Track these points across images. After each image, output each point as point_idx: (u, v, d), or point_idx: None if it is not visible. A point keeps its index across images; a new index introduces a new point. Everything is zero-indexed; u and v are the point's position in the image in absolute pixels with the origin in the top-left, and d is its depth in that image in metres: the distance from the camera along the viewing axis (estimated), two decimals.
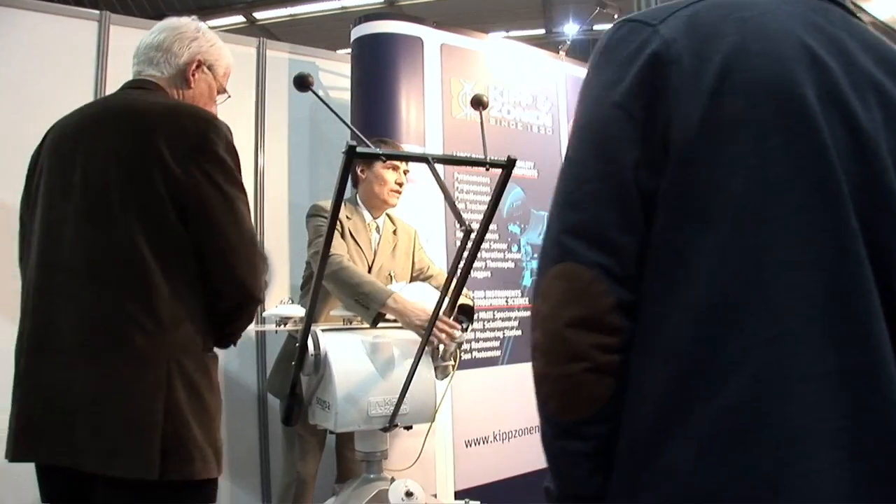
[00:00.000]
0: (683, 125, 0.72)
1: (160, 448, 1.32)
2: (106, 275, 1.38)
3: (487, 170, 1.82)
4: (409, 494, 1.94)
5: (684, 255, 0.71)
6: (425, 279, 2.68)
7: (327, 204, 2.63)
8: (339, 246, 2.44)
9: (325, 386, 1.99)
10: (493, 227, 3.15)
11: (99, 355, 1.35)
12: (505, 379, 3.14)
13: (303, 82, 1.70)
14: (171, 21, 1.68)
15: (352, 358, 2.01)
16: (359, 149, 1.61)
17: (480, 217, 3.09)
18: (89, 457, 1.31)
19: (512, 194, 3.26)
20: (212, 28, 1.75)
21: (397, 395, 1.97)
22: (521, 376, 3.18)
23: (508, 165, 1.80)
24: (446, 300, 1.89)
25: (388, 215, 2.70)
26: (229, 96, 1.75)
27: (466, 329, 2.18)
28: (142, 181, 1.39)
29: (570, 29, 11.40)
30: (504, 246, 3.21)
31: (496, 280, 3.16)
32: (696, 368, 0.69)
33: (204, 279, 1.43)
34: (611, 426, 0.75)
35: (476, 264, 3.07)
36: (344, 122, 1.79)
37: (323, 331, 2.05)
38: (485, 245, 3.13)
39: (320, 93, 3.56)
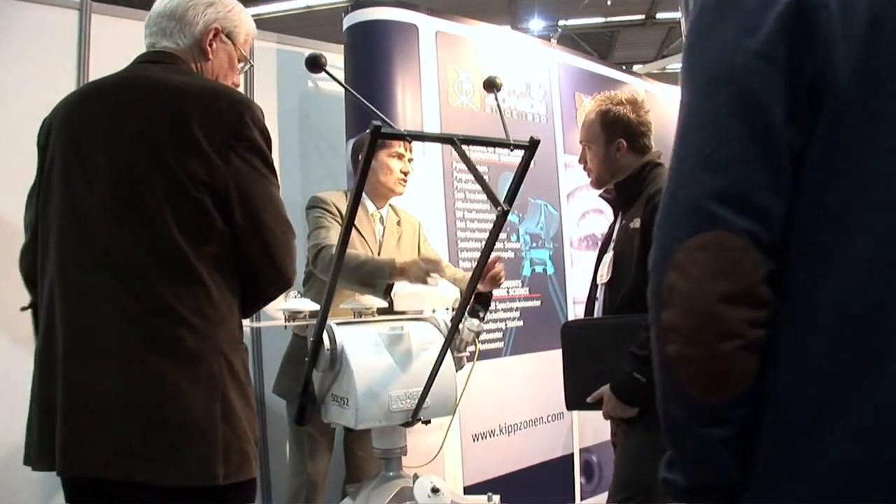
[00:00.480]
0: (836, 76, 0.66)
1: (221, 451, 1.24)
2: (142, 272, 1.28)
3: (511, 150, 1.78)
4: (435, 491, 1.87)
5: (840, 215, 0.65)
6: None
7: (327, 195, 2.56)
8: (336, 236, 2.37)
9: (343, 382, 1.91)
10: (490, 216, 3.10)
11: (146, 358, 1.26)
12: (508, 371, 3.08)
13: (315, 62, 1.63)
14: None
15: (370, 351, 1.93)
16: (384, 129, 1.55)
17: (478, 206, 3.07)
18: (143, 466, 1.22)
19: (509, 183, 3.20)
20: None
21: (418, 389, 1.90)
22: (525, 367, 3.14)
23: (532, 146, 1.77)
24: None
25: (391, 206, 2.63)
26: (251, 65, 1.64)
27: (483, 318, 2.11)
28: (176, 169, 1.29)
29: (536, 25, 11.46)
30: (504, 236, 3.15)
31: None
32: (864, 334, 0.63)
33: (242, 268, 1.35)
34: (752, 408, 0.69)
35: (475, 255, 3.03)
36: (363, 102, 1.70)
37: (337, 324, 1.97)
38: (483, 236, 3.06)
39: (309, 84, 3.50)
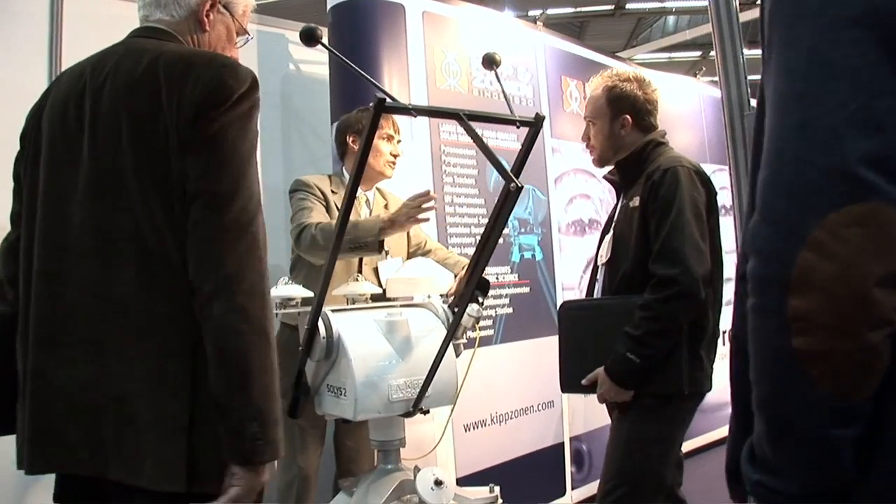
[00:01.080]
0: None
1: (188, 456, 1.13)
2: (120, 258, 1.19)
3: (518, 127, 1.73)
4: (438, 483, 1.80)
5: None
6: (423, 254, 2.55)
7: (310, 178, 2.48)
8: (319, 216, 2.31)
9: (340, 371, 1.83)
10: (480, 201, 3.04)
11: (118, 349, 1.17)
12: (499, 359, 3.02)
13: (311, 35, 1.55)
14: None
15: (368, 340, 1.85)
16: (388, 102, 1.47)
17: (467, 191, 3.00)
18: (115, 464, 1.15)
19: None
20: None
21: (418, 378, 1.82)
22: (515, 355, 3.08)
23: (536, 123, 1.73)
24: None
25: (378, 189, 2.56)
26: (250, 37, 1.54)
27: (482, 304, 2.04)
28: (155, 148, 1.19)
29: (506, 15, 11.45)
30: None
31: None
32: None
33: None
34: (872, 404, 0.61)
35: (465, 240, 2.97)
36: (361, 73, 1.62)
37: (332, 311, 1.88)
38: (473, 220, 3.02)
39: (291, 67, 3.39)
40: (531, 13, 12.15)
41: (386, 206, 2.53)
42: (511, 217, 3.14)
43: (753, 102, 1.98)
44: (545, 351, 3.24)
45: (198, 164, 1.17)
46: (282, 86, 3.29)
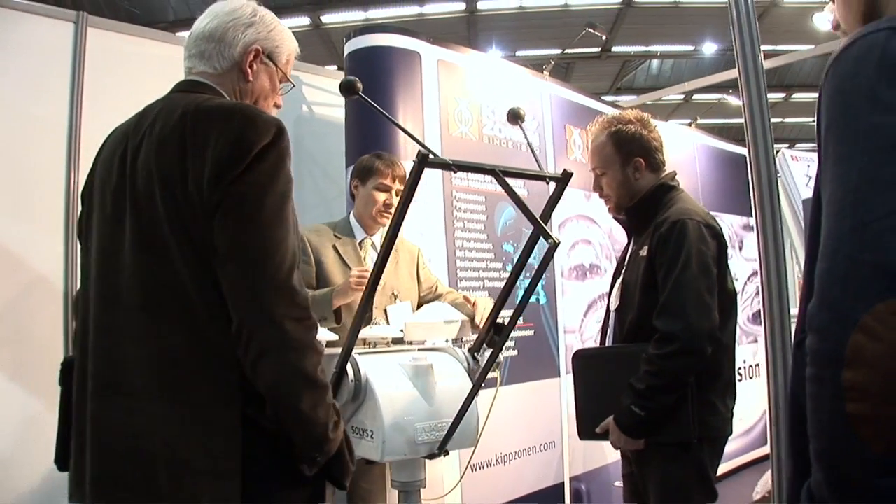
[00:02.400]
0: None
1: (241, 494, 1.20)
2: (165, 311, 1.24)
3: (547, 183, 1.81)
4: None
5: None
6: (435, 298, 2.61)
7: (306, 231, 2.50)
8: (306, 274, 2.37)
9: (367, 414, 1.87)
10: (488, 245, 3.11)
11: (170, 398, 1.22)
12: (504, 400, 3.05)
13: (351, 87, 1.62)
14: (224, 4, 1.45)
15: (394, 382, 1.90)
16: (431, 158, 1.55)
17: (476, 236, 3.08)
18: None
19: (504, 213, 3.22)
20: None
21: (442, 420, 1.88)
22: (519, 397, 3.14)
23: (564, 179, 1.80)
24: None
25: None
26: (293, 86, 1.57)
27: (501, 348, 2.10)
28: (184, 207, 1.22)
29: (494, 55, 11.66)
30: (500, 265, 3.16)
31: (493, 299, 3.09)
32: None
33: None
34: None
35: (474, 284, 3.03)
36: (402, 128, 1.71)
37: (359, 354, 1.94)
38: (481, 265, 3.09)
39: (304, 108, 3.47)
40: (518, 53, 12.45)
41: (395, 250, 2.56)
42: (517, 262, 3.23)
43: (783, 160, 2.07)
44: (547, 393, 3.32)
45: (224, 227, 1.20)
46: (295, 127, 3.36)
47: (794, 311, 2.65)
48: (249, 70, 1.43)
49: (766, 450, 5.15)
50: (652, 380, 1.93)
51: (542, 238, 1.63)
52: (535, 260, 3.35)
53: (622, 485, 2.33)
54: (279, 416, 1.24)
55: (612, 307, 2.22)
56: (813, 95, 14.25)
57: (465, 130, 3.13)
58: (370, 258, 2.52)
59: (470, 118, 3.16)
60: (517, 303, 3.18)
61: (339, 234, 2.52)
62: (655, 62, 14.44)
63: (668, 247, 1.98)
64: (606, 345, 2.26)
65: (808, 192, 2.08)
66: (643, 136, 2.15)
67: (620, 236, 3.96)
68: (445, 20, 11.36)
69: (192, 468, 1.19)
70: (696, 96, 14.05)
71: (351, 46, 2.99)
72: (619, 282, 2.21)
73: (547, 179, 1.79)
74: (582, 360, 2.25)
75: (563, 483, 3.32)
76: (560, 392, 3.37)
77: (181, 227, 1.23)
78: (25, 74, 2.66)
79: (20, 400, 2.48)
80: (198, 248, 1.22)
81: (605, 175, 2.20)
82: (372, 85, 2.93)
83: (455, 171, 1.64)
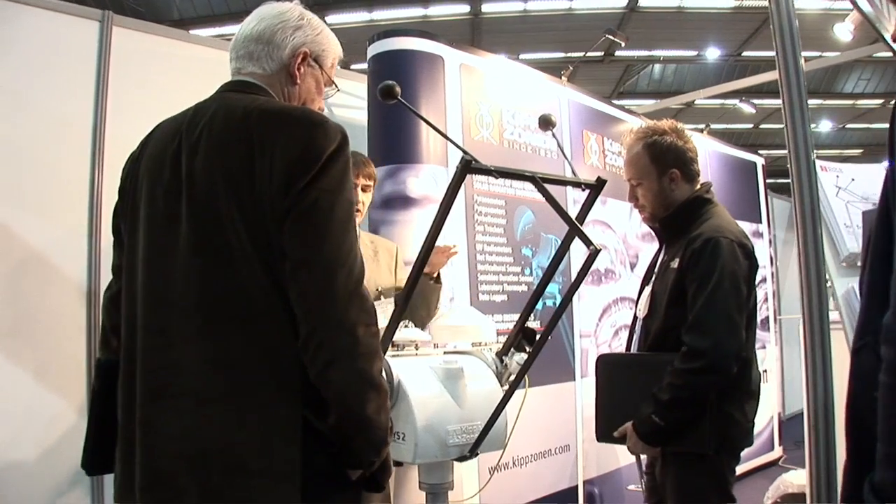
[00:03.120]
0: None
1: (301, 497, 1.20)
2: (224, 315, 1.23)
3: (583, 189, 1.82)
4: None
5: None
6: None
7: None
8: None
9: (399, 416, 1.88)
10: (507, 249, 3.12)
11: (224, 400, 1.22)
12: (520, 403, 3.08)
13: (390, 92, 1.63)
14: (271, 7, 1.45)
15: (426, 385, 1.92)
16: (473, 164, 1.57)
17: (496, 240, 3.09)
18: None
19: (524, 217, 3.24)
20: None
21: (473, 423, 1.90)
22: (536, 400, 3.14)
23: (598, 186, 1.82)
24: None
25: (361, 232, 2.63)
26: (338, 89, 1.57)
27: (529, 352, 2.12)
28: (251, 210, 1.22)
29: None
30: (518, 269, 3.18)
31: (512, 303, 3.12)
32: None
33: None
34: None
35: (494, 287, 3.05)
36: (444, 135, 1.73)
37: (391, 357, 1.95)
38: (500, 268, 3.10)
39: (324, 110, 3.48)
40: (522, 56, 12.47)
41: (375, 253, 2.57)
42: (535, 266, 3.25)
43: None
44: (563, 396, 3.33)
45: (296, 234, 1.20)
46: None
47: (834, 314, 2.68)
48: (297, 73, 1.44)
49: (773, 455, 5.18)
50: (675, 392, 1.95)
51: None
52: (535, 262, 3.37)
53: (641, 479, 2.34)
54: (343, 422, 1.24)
55: (641, 315, 2.23)
56: (815, 102, 14.33)
57: (487, 135, 3.14)
58: None
59: (491, 122, 3.18)
60: (537, 309, 3.22)
61: None
62: (658, 67, 14.45)
63: (700, 263, 1.99)
64: (632, 351, 2.29)
65: (837, 203, 2.10)
66: (678, 147, 2.16)
67: (634, 242, 3.99)
68: (449, 22, 11.35)
69: (248, 469, 1.19)
70: (698, 102, 14.09)
71: (374, 49, 3.01)
72: (647, 290, 2.22)
73: (583, 186, 1.81)
74: (606, 364, 2.27)
75: (576, 486, 3.34)
76: (575, 396, 3.39)
77: (246, 229, 1.22)
78: (51, 73, 2.66)
79: (42, 401, 2.48)
80: (262, 252, 1.22)
81: (640, 186, 2.21)
82: None
83: (497, 178, 1.65)
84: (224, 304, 1.24)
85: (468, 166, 1.56)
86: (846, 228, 2.12)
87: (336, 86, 1.57)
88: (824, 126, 15.71)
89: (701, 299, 1.96)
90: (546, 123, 1.95)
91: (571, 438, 3.34)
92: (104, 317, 1.49)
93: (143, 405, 1.27)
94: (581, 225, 1.95)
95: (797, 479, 3.32)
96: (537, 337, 2.15)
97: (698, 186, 2.19)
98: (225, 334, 1.23)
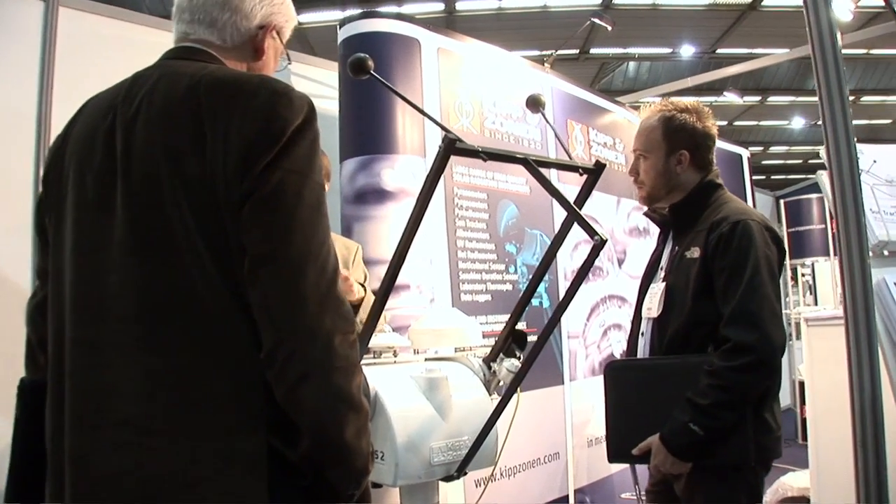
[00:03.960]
0: None
1: None
2: (170, 323, 1.02)
3: (581, 174, 1.64)
4: None
5: None
6: None
7: None
8: None
9: (377, 433, 1.68)
10: (491, 246, 2.94)
11: (170, 428, 1.00)
12: (506, 410, 2.89)
13: (361, 66, 1.45)
14: None
15: (407, 397, 1.72)
16: (458, 144, 1.38)
17: (478, 236, 2.90)
18: None
19: (507, 211, 3.05)
20: None
21: (460, 439, 1.70)
22: (522, 407, 2.95)
23: (597, 171, 1.64)
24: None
25: None
26: (290, 62, 1.40)
27: (520, 358, 1.93)
28: (201, 194, 1.01)
29: None
30: (502, 267, 2.98)
31: (496, 303, 2.92)
32: None
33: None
34: None
35: (476, 287, 2.85)
36: (426, 114, 1.54)
37: (366, 365, 1.75)
38: (483, 266, 2.91)
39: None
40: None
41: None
42: (520, 263, 3.06)
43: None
44: (551, 401, 3.15)
45: (257, 224, 1.00)
46: None
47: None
48: (264, 47, 1.26)
49: None
50: (719, 395, 1.72)
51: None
52: (537, 261, 3.19)
53: (635, 485, 2.13)
54: (317, 449, 1.04)
55: (651, 314, 1.99)
56: (785, 99, 14.38)
57: (467, 124, 2.95)
58: None
59: (471, 111, 2.98)
60: (534, 309, 3.03)
61: None
62: (633, 65, 14.42)
63: (730, 249, 1.79)
64: (640, 356, 2.04)
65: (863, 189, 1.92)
66: (696, 129, 1.97)
67: (621, 237, 3.82)
68: (424, 20, 11.19)
69: None
70: (673, 99, 14.08)
71: (346, 32, 2.80)
72: (659, 287, 1.98)
73: (580, 171, 1.62)
74: (617, 372, 2.01)
75: (567, 496, 3.15)
76: (564, 400, 3.20)
77: (194, 220, 1.01)
78: None
79: None
80: (215, 246, 1.01)
81: (645, 159, 2.01)
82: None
83: (485, 160, 1.45)
84: (169, 310, 1.03)
85: (452, 146, 1.37)
86: (873, 214, 1.93)
87: (289, 58, 1.40)
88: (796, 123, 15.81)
89: (739, 288, 1.75)
90: (535, 104, 1.76)
91: (561, 446, 3.16)
92: (29, 329, 1.26)
93: (72, 436, 1.04)
94: (580, 211, 1.77)
95: (797, 481, 3.17)
96: (529, 340, 1.96)
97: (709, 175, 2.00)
98: (171, 348, 1.02)
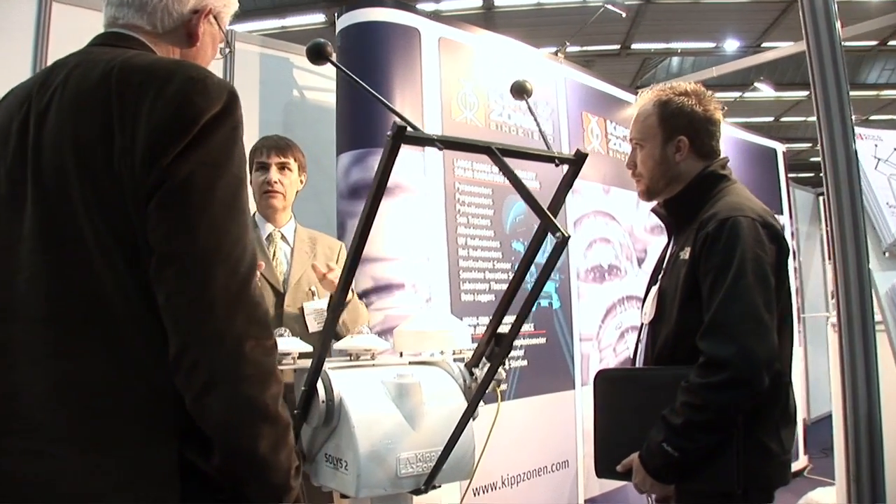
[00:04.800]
0: None
1: None
2: (80, 325, 0.97)
3: (557, 165, 1.50)
4: None
5: None
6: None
7: None
8: None
9: (341, 441, 1.58)
10: (495, 244, 2.81)
11: (78, 439, 0.95)
12: (512, 416, 2.77)
13: (320, 52, 1.32)
14: None
15: (374, 404, 1.61)
16: (409, 132, 1.25)
17: (482, 233, 2.78)
18: None
19: (514, 208, 2.92)
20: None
21: (430, 450, 1.58)
22: (529, 412, 2.83)
23: (577, 161, 1.49)
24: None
25: (300, 227, 2.36)
26: (229, 49, 1.32)
27: (504, 363, 1.80)
28: (107, 188, 0.96)
29: None
30: (508, 266, 2.86)
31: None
32: None
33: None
34: None
35: (479, 286, 2.73)
36: (378, 97, 1.39)
37: (332, 369, 1.64)
38: (487, 265, 2.79)
39: (294, 93, 3.19)
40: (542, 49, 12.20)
41: (313, 250, 2.30)
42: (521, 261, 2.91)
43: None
44: (561, 406, 3.01)
45: (164, 220, 0.94)
46: (284, 115, 3.09)
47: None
48: (198, 33, 1.19)
49: (798, 464, 4.80)
50: (692, 414, 1.55)
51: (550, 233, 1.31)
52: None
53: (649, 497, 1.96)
54: (229, 462, 0.97)
55: (646, 320, 1.85)
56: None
57: (470, 116, 2.83)
58: (282, 251, 2.28)
59: (475, 103, 2.86)
60: (543, 310, 2.90)
61: None
62: (676, 59, 14.11)
63: (715, 250, 1.61)
64: (638, 364, 1.89)
65: (878, 178, 1.69)
66: (696, 112, 1.79)
67: (641, 235, 3.65)
68: (462, 16, 11.12)
69: None
70: (717, 94, 13.75)
71: (343, 23, 2.71)
72: (654, 290, 1.84)
73: (556, 161, 1.48)
74: (605, 382, 1.86)
75: None
76: (575, 406, 3.06)
77: (103, 216, 0.96)
78: None
79: None
80: (125, 246, 0.96)
81: (641, 148, 1.85)
82: (366, 65, 2.65)
83: (441, 149, 1.32)
84: (78, 313, 0.97)
85: (402, 135, 1.25)
86: (889, 209, 1.71)
87: (229, 45, 1.31)
88: None
89: (719, 295, 1.57)
90: (519, 91, 1.63)
91: (571, 454, 3.01)
92: None
93: None
94: (559, 209, 1.63)
95: (826, 497, 2.97)
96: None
97: (714, 161, 1.82)
98: (80, 353, 0.97)
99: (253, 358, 0.94)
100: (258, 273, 1.04)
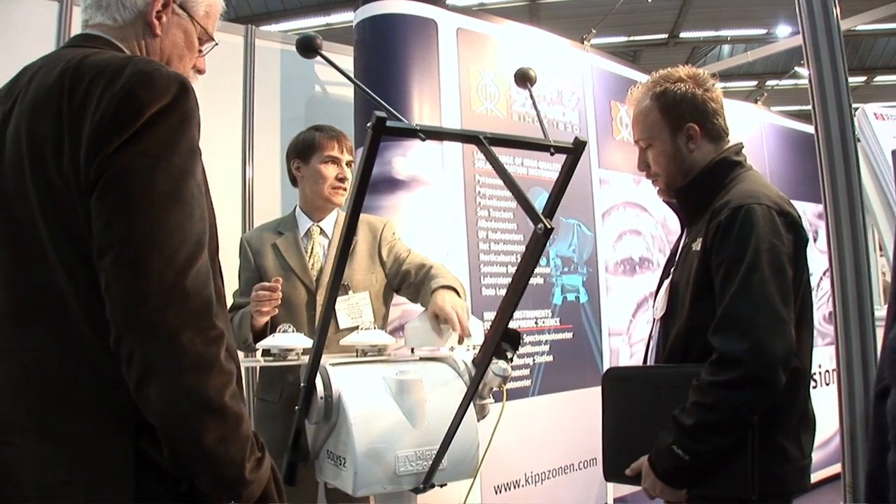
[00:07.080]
0: None
1: None
2: (36, 318, 1.00)
3: (552, 154, 1.43)
4: None
5: None
6: (398, 272, 2.20)
7: (251, 235, 2.28)
8: (238, 297, 2.17)
9: (340, 438, 1.56)
10: (518, 237, 2.76)
11: (40, 426, 0.97)
12: (536, 412, 2.71)
13: (309, 45, 1.30)
14: None
15: (373, 401, 1.58)
16: (389, 123, 1.21)
17: (503, 226, 2.72)
18: None
19: (538, 199, 2.85)
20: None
21: (431, 448, 1.54)
22: (554, 408, 2.77)
23: (575, 149, 1.41)
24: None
25: (343, 213, 2.29)
26: (216, 44, 1.30)
27: (511, 359, 1.74)
28: (57, 185, 0.98)
29: None
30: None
31: (524, 299, 2.71)
32: None
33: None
34: None
35: (500, 280, 2.68)
36: (365, 90, 1.37)
37: (332, 365, 1.62)
38: (509, 258, 2.73)
39: (316, 88, 3.18)
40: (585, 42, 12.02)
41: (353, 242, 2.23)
42: (553, 255, 2.85)
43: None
44: (588, 403, 2.93)
45: (102, 210, 0.95)
46: (306, 110, 3.08)
47: (880, 312, 2.17)
48: (157, 22, 1.18)
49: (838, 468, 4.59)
50: (704, 415, 1.47)
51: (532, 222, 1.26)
52: (573, 253, 2.97)
53: None
54: (177, 455, 0.97)
55: (657, 315, 1.75)
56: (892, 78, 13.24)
57: (491, 107, 2.77)
58: (320, 246, 2.22)
59: (496, 93, 2.81)
60: (555, 304, 2.83)
61: (283, 229, 2.23)
62: (726, 48, 13.73)
63: (728, 240, 1.52)
64: (650, 363, 1.79)
65: None
66: (697, 95, 1.68)
67: (676, 226, 3.54)
68: (507, 9, 11.02)
69: None
70: (769, 83, 13.29)
71: (360, 15, 2.69)
72: (666, 284, 1.74)
73: (552, 150, 1.41)
74: (614, 381, 1.76)
75: None
76: None
77: (56, 212, 0.99)
78: (4, 58, 2.45)
79: None
80: (77, 240, 0.98)
81: (651, 147, 1.74)
82: (383, 57, 2.62)
83: (423, 139, 1.28)
84: (36, 307, 1.00)
85: (382, 126, 1.21)
86: None
87: (214, 40, 1.30)
88: None
89: (732, 287, 1.47)
90: (523, 79, 1.56)
91: (599, 451, 2.92)
92: None
93: None
94: (558, 199, 1.56)
95: None
96: (523, 340, 1.77)
97: (727, 147, 1.72)
98: (38, 346, 1.00)
99: (192, 349, 0.93)
100: (209, 261, 1.02)
